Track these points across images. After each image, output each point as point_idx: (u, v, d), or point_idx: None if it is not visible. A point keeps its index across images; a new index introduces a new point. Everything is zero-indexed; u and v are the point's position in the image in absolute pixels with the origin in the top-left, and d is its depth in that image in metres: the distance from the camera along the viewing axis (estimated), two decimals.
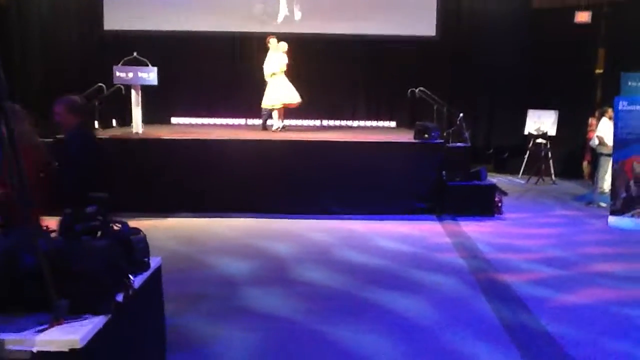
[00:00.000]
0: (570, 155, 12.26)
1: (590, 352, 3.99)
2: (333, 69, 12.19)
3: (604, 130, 9.72)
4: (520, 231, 7.62)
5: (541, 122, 11.99)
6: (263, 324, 4.40)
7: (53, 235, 2.52)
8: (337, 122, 12.46)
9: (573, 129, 12.04)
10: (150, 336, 2.88)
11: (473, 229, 7.65)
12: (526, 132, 12.14)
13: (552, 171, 11.74)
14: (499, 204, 8.59)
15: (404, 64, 12.47)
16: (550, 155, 11.75)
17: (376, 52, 12.61)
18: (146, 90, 9.38)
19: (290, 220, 7.88)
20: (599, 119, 10.53)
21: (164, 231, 7.21)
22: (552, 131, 11.87)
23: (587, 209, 9.16)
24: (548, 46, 12.24)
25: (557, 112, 11.91)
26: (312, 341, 4.11)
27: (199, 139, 8.82)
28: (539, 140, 11.82)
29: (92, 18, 12.45)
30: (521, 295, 5.12)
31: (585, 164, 11.76)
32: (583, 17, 11.85)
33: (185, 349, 3.90)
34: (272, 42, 9.93)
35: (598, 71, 12.42)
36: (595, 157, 10.16)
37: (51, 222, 2.65)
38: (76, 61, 12.46)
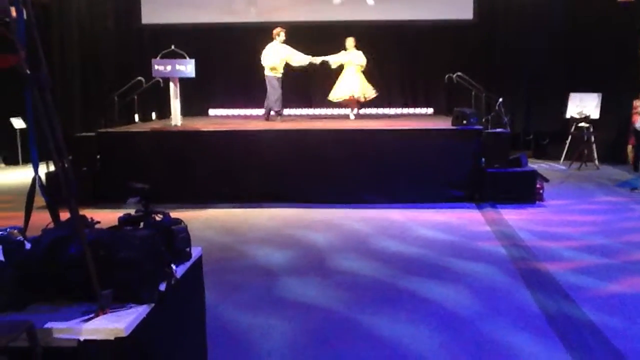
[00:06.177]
0: (614, 139, 11.87)
1: (637, 344, 3.87)
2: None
3: None
4: (562, 218, 7.45)
5: (583, 106, 11.61)
6: (301, 314, 4.43)
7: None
8: (373, 110, 12.36)
9: (617, 112, 11.65)
10: (192, 325, 2.92)
11: (513, 216, 7.51)
12: (568, 116, 11.79)
13: (595, 156, 11.41)
14: (540, 191, 8.41)
15: (441, 49, 12.28)
16: (593, 139, 11.41)
17: (412, 37, 12.46)
18: (184, 82, 9.50)
19: (327, 209, 7.89)
20: None
21: (204, 222, 7.32)
22: (595, 115, 11.49)
23: (631, 195, 8.87)
24: (590, 26, 11.86)
25: (600, 94, 11.51)
26: (350, 330, 4.12)
27: (236, 130, 8.92)
28: (582, 125, 11.48)
29: (130, 12, 12.67)
30: (564, 284, 5.02)
31: (629, 148, 11.39)
32: None
33: (225, 338, 3.96)
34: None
35: None
36: None
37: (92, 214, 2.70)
38: (115, 55, 12.72)
